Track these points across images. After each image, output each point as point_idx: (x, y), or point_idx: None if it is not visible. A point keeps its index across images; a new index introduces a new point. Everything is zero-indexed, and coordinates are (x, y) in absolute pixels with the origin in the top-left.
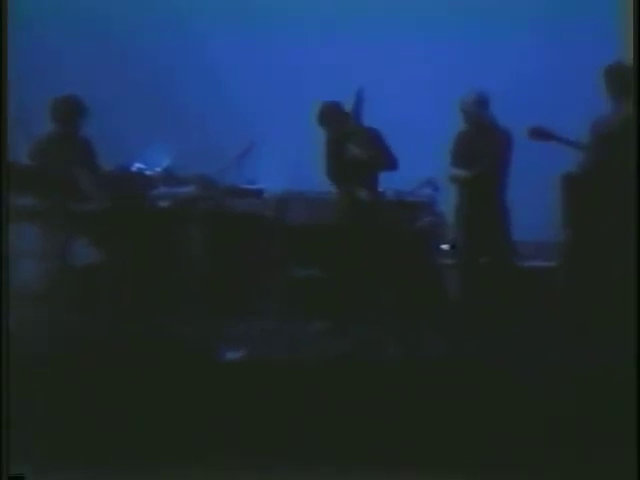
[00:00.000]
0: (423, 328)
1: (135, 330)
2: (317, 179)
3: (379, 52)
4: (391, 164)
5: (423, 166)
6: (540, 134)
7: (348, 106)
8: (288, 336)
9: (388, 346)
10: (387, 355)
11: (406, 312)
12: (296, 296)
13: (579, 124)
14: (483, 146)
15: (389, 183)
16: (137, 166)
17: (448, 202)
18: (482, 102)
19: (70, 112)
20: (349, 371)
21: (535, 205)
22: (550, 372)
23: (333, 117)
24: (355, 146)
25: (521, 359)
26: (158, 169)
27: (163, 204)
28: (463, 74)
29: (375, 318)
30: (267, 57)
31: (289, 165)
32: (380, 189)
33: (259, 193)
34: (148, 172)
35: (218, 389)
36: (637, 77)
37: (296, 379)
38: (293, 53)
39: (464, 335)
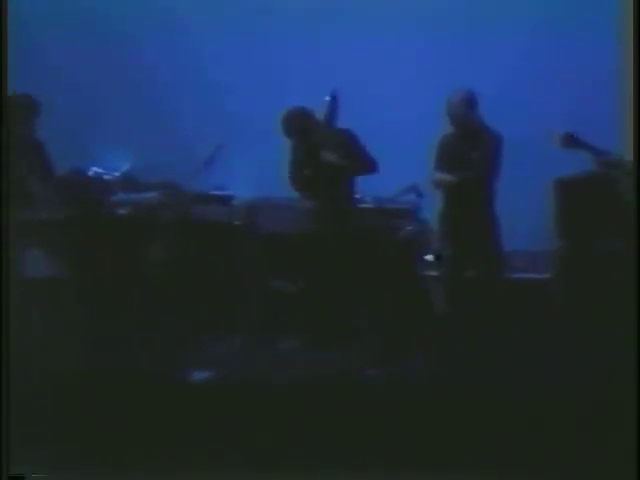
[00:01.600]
0: (405, 346)
1: (92, 352)
2: None
3: (358, 52)
4: (369, 167)
5: (405, 171)
6: (572, 141)
7: (320, 109)
8: (258, 355)
9: (367, 366)
10: (366, 376)
11: (387, 329)
12: (268, 311)
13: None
14: (470, 149)
15: (368, 189)
16: (94, 170)
17: (432, 209)
18: (469, 103)
19: (21, 111)
20: (325, 394)
21: (527, 212)
22: (544, 392)
23: (300, 126)
24: (329, 152)
25: (511, 379)
26: (117, 174)
27: (123, 212)
28: (448, 73)
29: (353, 335)
30: (240, 56)
31: (261, 170)
32: (358, 196)
33: (228, 200)
34: (106, 177)
35: (181, 414)
36: (637, 77)
37: (266, 402)
38: (268, 51)
39: (450, 354)
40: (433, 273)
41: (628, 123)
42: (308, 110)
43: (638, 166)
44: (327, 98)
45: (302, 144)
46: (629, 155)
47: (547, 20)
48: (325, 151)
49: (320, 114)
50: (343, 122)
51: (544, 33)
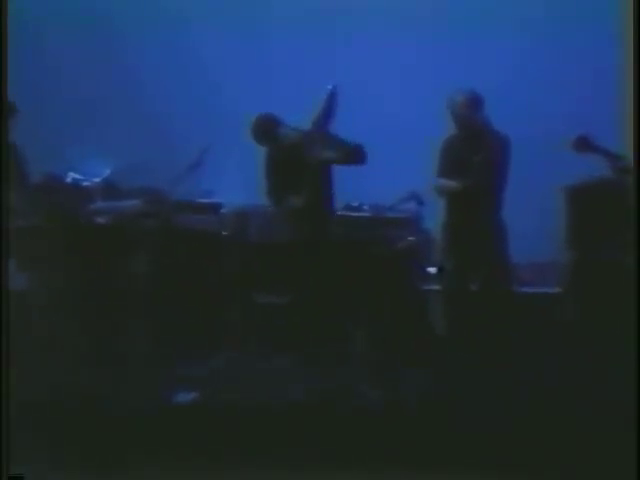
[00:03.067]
0: (404, 366)
1: (64, 370)
2: None
3: (355, 52)
4: (358, 156)
5: (405, 177)
6: (586, 145)
7: (316, 108)
8: (246, 374)
9: (362, 387)
10: (361, 398)
11: (384, 347)
12: (256, 327)
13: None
14: (475, 153)
15: (365, 197)
16: (72, 176)
17: (434, 218)
18: (474, 103)
19: None
20: (316, 417)
21: (535, 222)
22: (554, 419)
23: (269, 132)
24: (311, 148)
25: (517, 400)
26: (97, 180)
27: (102, 221)
28: (451, 73)
29: (348, 354)
30: (230, 53)
31: (252, 175)
32: (355, 204)
33: (216, 208)
34: (85, 183)
35: (161, 439)
36: (637, 77)
37: (253, 425)
38: (261, 49)
39: (452, 374)
40: (435, 287)
41: (628, 123)
42: (274, 116)
43: (638, 166)
44: (325, 94)
45: (272, 149)
46: (629, 155)
47: (547, 20)
48: (308, 148)
49: (315, 112)
50: (339, 124)
51: (543, 32)
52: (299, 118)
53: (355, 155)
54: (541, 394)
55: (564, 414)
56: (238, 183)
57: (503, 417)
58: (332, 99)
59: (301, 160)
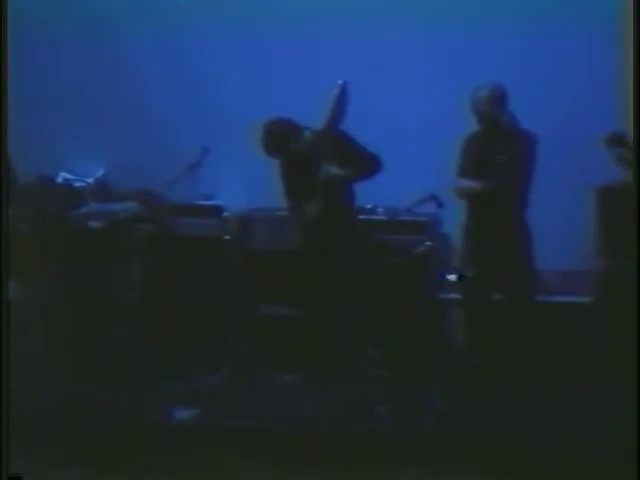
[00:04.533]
0: (421, 383)
1: (52, 385)
2: None
3: (367, 44)
4: (373, 168)
5: (423, 177)
6: (619, 141)
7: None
8: (250, 392)
9: (376, 406)
10: (375, 417)
11: (400, 363)
12: (262, 341)
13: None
14: (500, 152)
15: (380, 199)
16: (63, 176)
17: (454, 222)
18: (498, 99)
19: None
20: (327, 438)
21: (564, 226)
22: (584, 438)
23: (282, 140)
24: (326, 164)
25: (545, 425)
26: (89, 180)
27: (94, 225)
28: (471, 67)
29: (360, 370)
30: (232, 50)
31: (254, 177)
32: (369, 206)
33: (217, 211)
34: (77, 184)
35: (158, 458)
36: (637, 77)
37: (260, 446)
38: (264, 46)
39: (473, 393)
40: (455, 296)
41: (628, 123)
42: (288, 120)
43: (638, 166)
44: (334, 91)
45: (287, 159)
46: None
47: (546, 19)
48: (322, 165)
49: (324, 110)
50: (351, 123)
51: (543, 31)
52: (304, 118)
53: (371, 169)
54: (571, 412)
55: (595, 432)
56: (241, 184)
57: (530, 437)
58: (343, 95)
59: (315, 168)
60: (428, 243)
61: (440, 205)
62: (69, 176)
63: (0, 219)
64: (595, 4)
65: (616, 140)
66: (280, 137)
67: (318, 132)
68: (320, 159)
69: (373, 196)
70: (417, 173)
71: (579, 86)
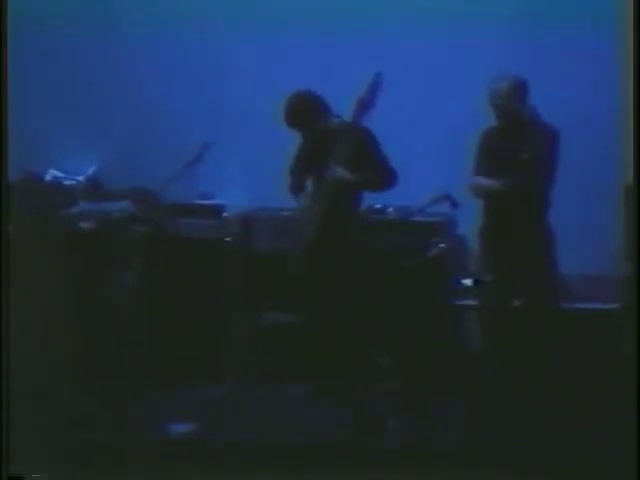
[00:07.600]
0: (435, 396)
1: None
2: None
3: (378, 39)
4: (387, 182)
5: (437, 175)
6: None
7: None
8: (253, 405)
9: (388, 420)
10: (386, 432)
11: (413, 373)
12: (266, 350)
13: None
14: (521, 148)
15: (392, 199)
16: (52, 174)
17: (471, 223)
18: (519, 90)
19: None
20: (337, 454)
21: (589, 228)
22: (611, 451)
23: (307, 114)
24: (338, 166)
25: (571, 438)
26: (80, 179)
27: (86, 226)
28: (487, 58)
29: (371, 381)
30: (234, 40)
31: (257, 174)
32: (378, 206)
33: (217, 211)
34: (67, 182)
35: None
36: (637, 77)
37: (263, 463)
38: (268, 37)
39: (491, 406)
40: (471, 302)
41: (628, 123)
42: (320, 97)
43: (638, 166)
44: (369, 81)
45: (306, 134)
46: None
47: (546, 19)
48: (334, 165)
49: (358, 97)
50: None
51: (542, 31)
52: None
53: (382, 183)
54: (598, 425)
55: (623, 446)
56: (243, 183)
57: (554, 451)
58: (376, 85)
59: (327, 157)
60: (442, 245)
61: (455, 205)
62: (58, 174)
63: (0, 219)
64: (595, 4)
65: None
66: (309, 111)
67: (345, 122)
68: (331, 156)
69: (383, 195)
70: (430, 171)
71: (579, 85)
